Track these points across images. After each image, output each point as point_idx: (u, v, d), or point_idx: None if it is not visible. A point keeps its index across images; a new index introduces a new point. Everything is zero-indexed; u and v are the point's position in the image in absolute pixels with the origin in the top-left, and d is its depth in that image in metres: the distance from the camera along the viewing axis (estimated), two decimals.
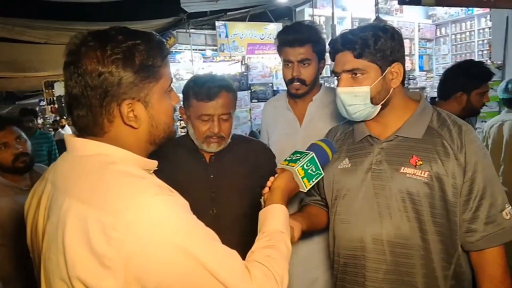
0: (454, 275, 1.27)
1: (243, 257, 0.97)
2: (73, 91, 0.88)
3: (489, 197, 1.24)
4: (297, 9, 6.92)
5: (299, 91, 1.89)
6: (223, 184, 1.63)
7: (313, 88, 1.93)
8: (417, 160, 1.26)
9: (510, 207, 1.27)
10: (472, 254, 1.29)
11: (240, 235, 1.38)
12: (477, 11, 7.33)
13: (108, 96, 0.87)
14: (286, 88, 2.00)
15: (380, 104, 1.29)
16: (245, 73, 6.84)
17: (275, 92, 6.71)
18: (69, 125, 9.62)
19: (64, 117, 11.20)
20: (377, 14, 4.52)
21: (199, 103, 1.53)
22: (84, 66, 0.86)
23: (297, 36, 1.84)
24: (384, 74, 1.27)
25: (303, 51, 1.83)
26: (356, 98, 1.28)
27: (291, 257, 1.93)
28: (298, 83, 1.87)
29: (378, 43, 1.24)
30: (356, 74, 1.27)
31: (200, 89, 1.52)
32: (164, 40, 0.97)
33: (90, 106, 0.88)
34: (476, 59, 7.45)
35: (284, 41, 1.87)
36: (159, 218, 0.80)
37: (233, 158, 1.65)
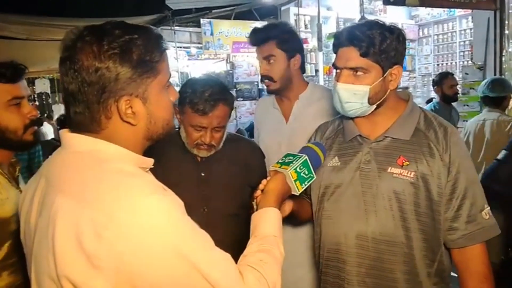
0: (437, 272, 1.30)
1: (234, 257, 0.96)
2: (69, 87, 0.85)
3: (470, 197, 1.27)
4: (282, 8, 6.93)
5: (270, 88, 1.92)
6: (214, 182, 1.62)
7: (288, 85, 1.93)
8: (404, 161, 1.28)
9: (488, 208, 1.31)
10: (454, 252, 1.32)
11: (231, 234, 1.37)
12: (459, 12, 7.45)
13: (106, 92, 0.85)
14: None
15: (376, 104, 1.30)
16: (231, 72, 6.84)
17: (260, 91, 6.72)
18: (49, 123, 9.43)
19: (45, 114, 10.99)
20: (362, 14, 4.55)
21: (194, 114, 1.50)
22: (80, 62, 0.83)
23: (258, 35, 1.89)
24: (384, 75, 1.27)
25: (265, 48, 1.87)
26: (354, 96, 1.28)
27: None
28: (266, 80, 1.91)
29: (384, 44, 1.23)
30: (358, 72, 1.26)
31: (196, 100, 1.48)
32: (161, 34, 0.95)
33: (87, 103, 0.85)
34: (458, 60, 7.62)
35: (251, 42, 1.93)
36: (152, 219, 0.79)
37: (224, 157, 1.64)
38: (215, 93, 1.49)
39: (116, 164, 0.85)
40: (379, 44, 1.23)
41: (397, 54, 1.27)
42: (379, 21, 1.30)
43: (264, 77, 1.91)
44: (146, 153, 0.99)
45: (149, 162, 0.97)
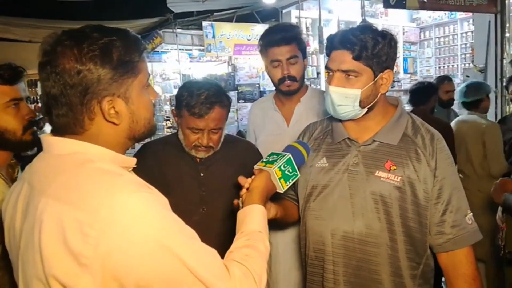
0: (422, 274, 1.33)
1: None
2: (51, 91, 0.87)
3: (455, 202, 1.31)
4: (284, 11, 6.95)
5: (291, 87, 1.92)
6: (213, 183, 1.64)
7: (301, 86, 1.96)
8: (391, 165, 1.31)
9: (471, 213, 1.35)
10: (441, 255, 1.35)
11: (230, 234, 1.39)
12: (460, 15, 7.46)
13: (88, 94, 0.87)
14: (272, 89, 2.02)
15: (367, 107, 1.32)
16: (232, 74, 6.85)
17: (262, 93, 6.73)
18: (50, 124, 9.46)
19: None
20: (363, 17, 4.57)
21: (190, 117, 1.51)
22: (61, 65, 0.85)
23: (283, 34, 1.87)
24: (376, 79, 1.29)
25: (290, 48, 1.86)
26: (346, 99, 1.30)
27: (279, 255, 1.95)
28: (289, 80, 1.90)
29: (376, 48, 1.26)
30: (350, 75, 1.28)
31: (193, 103, 1.50)
32: (139, 36, 0.97)
33: (70, 105, 0.87)
34: (459, 63, 7.63)
35: (270, 42, 1.89)
36: (136, 215, 0.80)
37: (223, 158, 1.66)
38: (211, 96, 1.51)
39: (98, 164, 0.86)
40: (372, 48, 1.25)
41: (389, 58, 1.30)
42: (372, 26, 1.33)
43: (287, 78, 1.89)
44: (145, 154, 1.00)
45: (132, 161, 0.98)
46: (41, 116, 1.53)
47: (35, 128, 1.48)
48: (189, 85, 1.60)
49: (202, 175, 1.64)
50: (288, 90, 1.93)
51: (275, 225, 1.84)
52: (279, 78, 1.91)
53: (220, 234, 1.39)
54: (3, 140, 1.40)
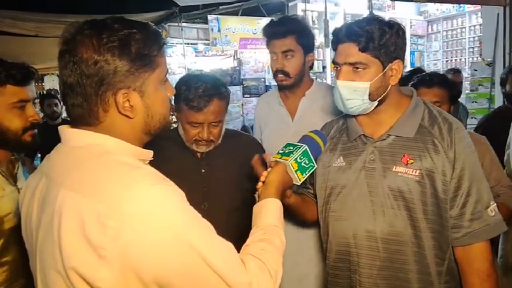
0: (448, 270, 1.30)
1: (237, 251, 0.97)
2: (68, 80, 0.87)
3: (475, 194, 1.27)
4: (290, 4, 6.90)
5: (284, 83, 1.91)
6: (214, 178, 1.62)
7: (301, 81, 1.93)
8: (408, 159, 1.28)
9: (495, 204, 1.30)
10: (457, 249, 1.31)
11: (232, 229, 1.39)
12: (468, 8, 7.39)
13: (104, 85, 0.86)
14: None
15: (377, 100, 1.29)
16: (238, 68, 6.84)
17: (267, 87, 6.71)
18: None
19: None
20: (370, 10, 4.53)
21: (189, 111, 1.50)
22: (79, 54, 0.85)
23: (280, 27, 1.86)
24: (385, 70, 1.26)
25: (286, 42, 1.84)
26: (355, 93, 1.27)
27: None
28: (281, 75, 1.88)
29: (383, 38, 1.23)
30: (357, 68, 1.26)
31: (191, 96, 1.48)
32: (160, 30, 0.97)
33: (86, 95, 0.87)
34: (467, 56, 7.57)
35: (269, 34, 1.90)
36: (156, 208, 0.80)
37: (224, 153, 1.64)
38: (208, 89, 1.49)
39: (116, 156, 0.86)
40: (378, 39, 1.23)
41: (397, 48, 1.26)
42: (378, 17, 1.29)
43: (279, 72, 1.88)
44: (146, 148, 0.99)
45: (148, 154, 0.98)
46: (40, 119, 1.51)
47: (35, 130, 1.47)
48: (187, 78, 1.58)
49: (203, 170, 1.63)
50: (281, 84, 1.92)
51: None
52: (273, 71, 1.91)
53: (222, 230, 1.38)
54: (4, 139, 1.40)
